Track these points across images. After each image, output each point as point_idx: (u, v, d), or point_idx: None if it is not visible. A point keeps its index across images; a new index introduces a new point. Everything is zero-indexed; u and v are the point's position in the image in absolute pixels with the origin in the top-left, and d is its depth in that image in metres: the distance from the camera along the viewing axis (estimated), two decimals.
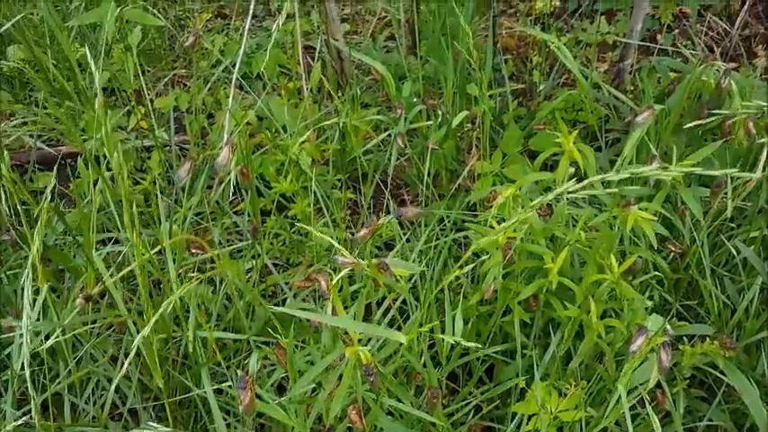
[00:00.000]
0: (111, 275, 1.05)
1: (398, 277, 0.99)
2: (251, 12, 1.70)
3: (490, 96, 1.84)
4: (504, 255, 1.13)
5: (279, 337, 1.03)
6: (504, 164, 1.71)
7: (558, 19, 2.59)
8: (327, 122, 1.61)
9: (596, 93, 1.93)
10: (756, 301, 1.31)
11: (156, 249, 1.07)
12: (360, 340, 0.91)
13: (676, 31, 2.47)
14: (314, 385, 0.98)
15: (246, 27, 1.71)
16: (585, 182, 0.85)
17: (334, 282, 0.95)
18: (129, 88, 1.96)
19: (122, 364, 1.16)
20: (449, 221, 1.61)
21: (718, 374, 1.18)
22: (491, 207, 1.20)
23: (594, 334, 1.11)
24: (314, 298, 1.42)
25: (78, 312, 1.11)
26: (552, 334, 1.25)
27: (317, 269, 0.97)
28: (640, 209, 1.10)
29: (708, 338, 1.21)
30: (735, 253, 1.36)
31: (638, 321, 1.13)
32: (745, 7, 2.42)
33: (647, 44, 2.21)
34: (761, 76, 2.33)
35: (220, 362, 1.21)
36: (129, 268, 0.96)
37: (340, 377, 0.84)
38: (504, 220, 1.18)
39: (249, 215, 1.68)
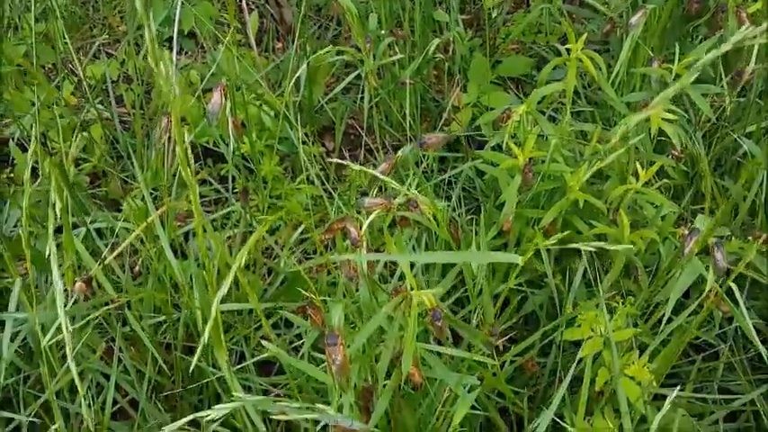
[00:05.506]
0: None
1: (428, 215, 0.90)
2: None
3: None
4: (524, 178, 1.05)
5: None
6: (480, 94, 1.62)
7: None
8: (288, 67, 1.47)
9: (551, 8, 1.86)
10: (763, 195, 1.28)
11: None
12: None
13: None
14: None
15: None
16: None
17: (365, 225, 0.84)
18: (54, 60, 1.75)
19: (117, 356, 1.02)
20: (426, 160, 1.52)
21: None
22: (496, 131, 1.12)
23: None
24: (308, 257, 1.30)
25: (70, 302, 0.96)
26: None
27: (339, 217, 0.86)
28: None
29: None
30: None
31: (670, 228, 1.07)
32: None
33: None
34: None
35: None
36: (125, 245, 0.83)
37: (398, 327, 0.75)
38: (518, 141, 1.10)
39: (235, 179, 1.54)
